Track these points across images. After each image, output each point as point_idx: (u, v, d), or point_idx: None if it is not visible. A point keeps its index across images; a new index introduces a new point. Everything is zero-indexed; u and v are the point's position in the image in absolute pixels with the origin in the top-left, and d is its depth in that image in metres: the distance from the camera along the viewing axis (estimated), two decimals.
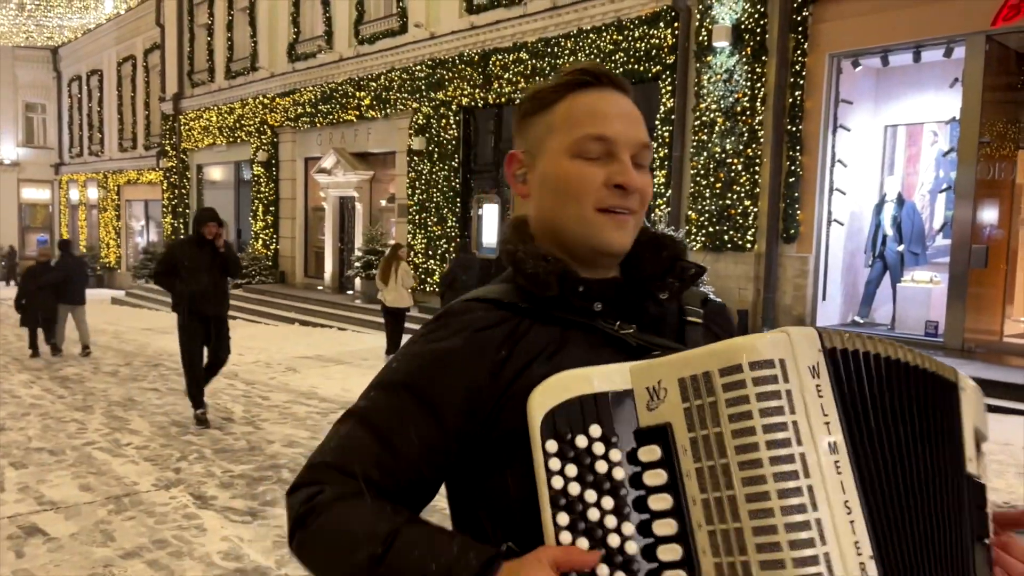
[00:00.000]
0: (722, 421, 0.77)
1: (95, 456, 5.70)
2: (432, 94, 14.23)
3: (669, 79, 10.68)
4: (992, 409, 6.63)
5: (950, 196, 9.04)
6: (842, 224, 9.74)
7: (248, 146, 19.16)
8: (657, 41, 10.81)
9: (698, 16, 10.30)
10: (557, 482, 0.80)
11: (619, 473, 0.81)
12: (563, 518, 0.79)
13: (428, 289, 14.23)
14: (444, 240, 14.09)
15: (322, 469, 0.92)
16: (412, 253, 14.48)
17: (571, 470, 0.80)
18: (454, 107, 13.87)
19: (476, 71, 13.40)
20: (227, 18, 20.09)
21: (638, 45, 11.05)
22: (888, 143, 10.16)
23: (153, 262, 21.67)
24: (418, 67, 14.52)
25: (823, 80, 9.34)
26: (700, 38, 10.25)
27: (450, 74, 13.88)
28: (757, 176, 9.78)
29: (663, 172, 10.76)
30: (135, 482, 5.03)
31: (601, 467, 0.81)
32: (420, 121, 14.47)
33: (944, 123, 9.36)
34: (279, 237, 18.49)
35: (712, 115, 10.14)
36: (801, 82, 9.43)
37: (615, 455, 0.81)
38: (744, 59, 9.80)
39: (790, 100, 9.51)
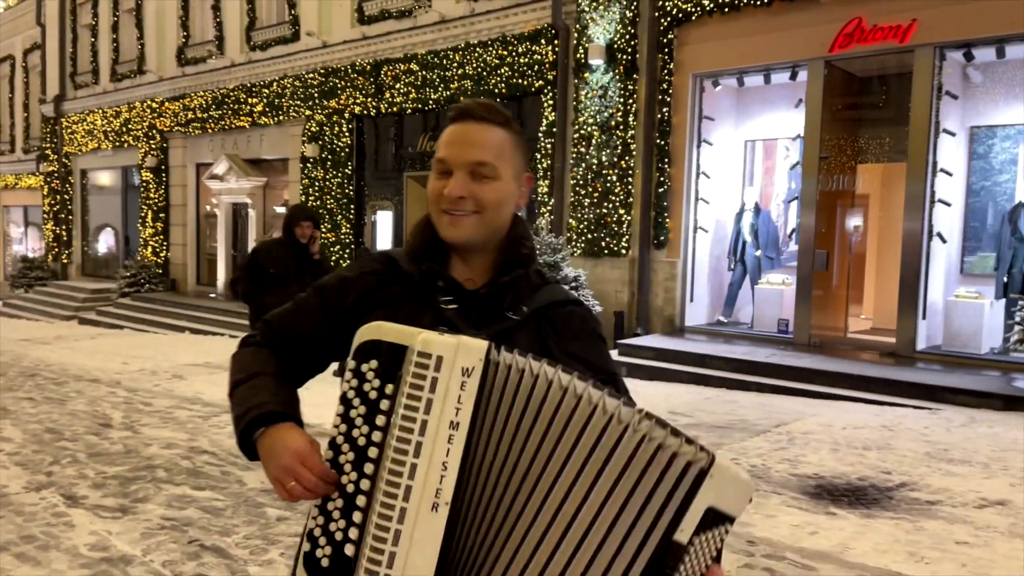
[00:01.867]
0: (406, 381, 1.07)
1: None
2: (325, 102, 14.38)
3: (551, 93, 11.26)
4: (833, 397, 7.40)
5: (799, 205, 9.95)
6: (707, 231, 10.53)
7: (136, 151, 18.70)
8: (539, 57, 11.37)
9: (576, 35, 10.92)
10: (345, 387, 1.14)
11: (373, 394, 1.11)
12: (340, 409, 1.14)
13: None
14: (339, 246, 14.24)
15: (265, 323, 1.41)
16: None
17: (354, 382, 1.13)
18: (347, 115, 14.08)
19: (368, 80, 13.65)
20: (112, 19, 19.56)
21: (522, 60, 11.58)
22: (748, 156, 11.05)
23: (32, 270, 20.82)
24: (311, 75, 14.64)
25: (687, 98, 10.10)
26: (578, 56, 10.88)
27: (342, 83, 14.07)
28: (630, 186, 10.46)
29: (546, 182, 11.33)
30: (4, 485, 5.08)
31: (366, 387, 1.12)
32: (313, 128, 14.59)
33: (792, 139, 10.28)
34: (170, 244, 18.12)
35: (589, 128, 10.76)
36: (668, 99, 10.17)
37: (376, 383, 1.11)
38: (617, 77, 10.47)
39: (659, 116, 10.24)
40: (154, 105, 18.11)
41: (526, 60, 11.54)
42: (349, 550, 1.08)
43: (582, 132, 10.85)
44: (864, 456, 5.68)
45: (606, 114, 10.61)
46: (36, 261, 21.46)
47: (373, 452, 1.09)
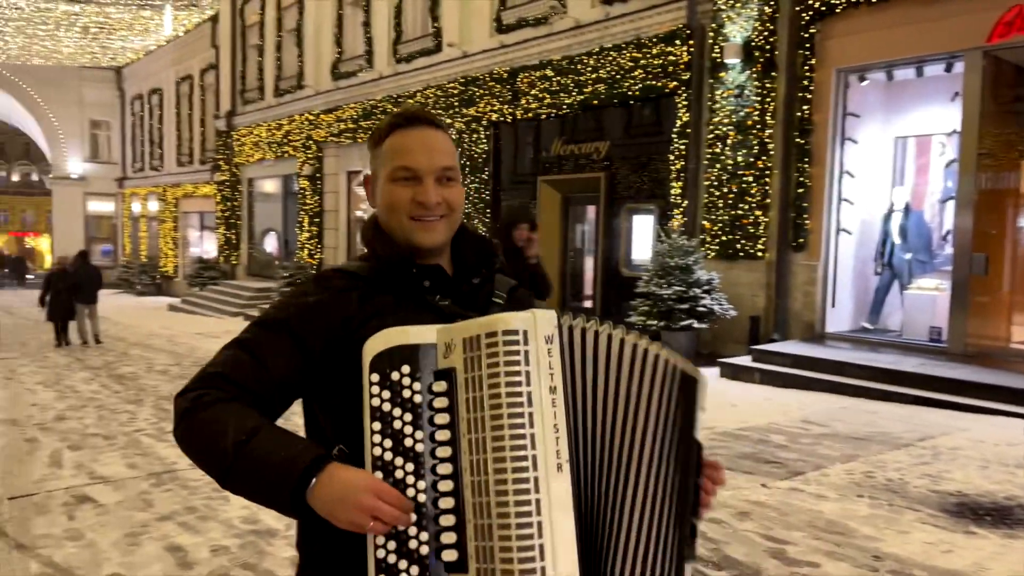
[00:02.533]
0: (483, 367, 1.09)
1: (142, 440, 6.43)
2: (464, 110, 14.90)
3: (685, 94, 11.12)
4: (988, 412, 6.89)
5: (955, 205, 9.27)
6: (850, 233, 10.03)
7: (295, 160, 20.14)
8: (673, 58, 11.26)
9: (711, 34, 10.73)
10: (375, 401, 1.12)
11: (418, 398, 1.12)
12: (376, 426, 1.12)
13: None
14: None
15: (211, 377, 1.24)
16: None
17: (385, 394, 1.12)
18: (484, 122, 14.52)
19: (505, 88, 14.02)
20: (276, 39, 21.16)
21: (655, 62, 11.51)
22: (898, 154, 10.41)
23: (207, 270, 22.86)
24: (451, 84, 15.21)
25: (830, 94, 9.68)
26: (713, 55, 10.68)
27: (480, 91, 14.53)
28: (767, 187, 10.15)
29: (679, 184, 11.20)
30: (175, 462, 5.72)
31: (406, 393, 1.12)
32: (453, 136, 15.10)
33: (948, 135, 9.60)
34: (323, 247, 19.38)
35: (724, 129, 10.54)
36: (809, 96, 9.79)
37: (416, 386, 1.12)
38: (754, 75, 10.20)
39: (798, 114, 9.88)
40: (311, 117, 19.44)
41: (660, 62, 11.46)
42: (449, 556, 1.09)
43: (717, 132, 10.65)
44: (1015, 475, 5.27)
45: (742, 113, 10.35)
46: (209, 262, 23.56)
47: (445, 452, 1.10)
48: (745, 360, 9.60)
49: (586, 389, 1.15)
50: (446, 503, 1.09)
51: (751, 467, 5.54)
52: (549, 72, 13.16)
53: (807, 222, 9.90)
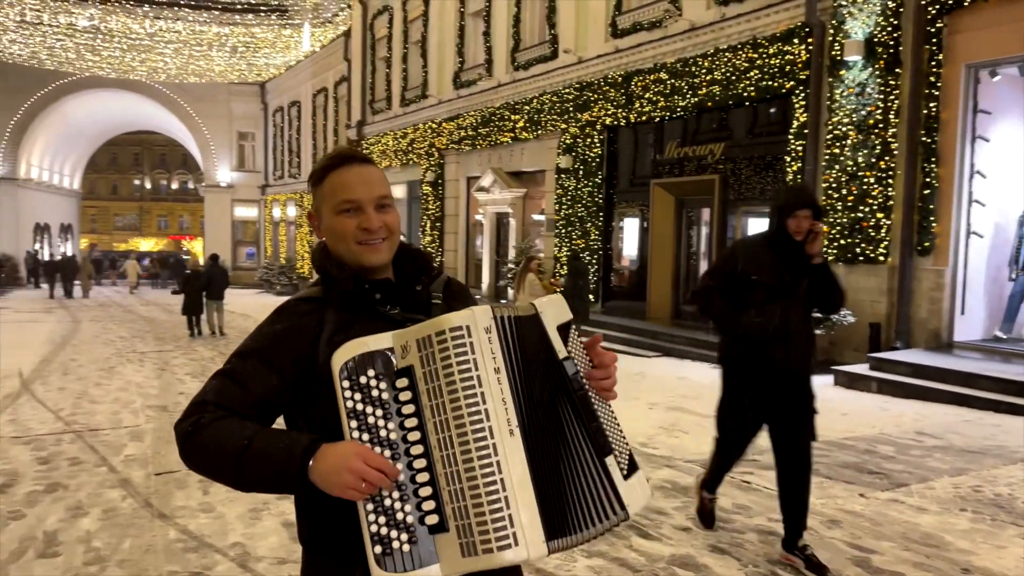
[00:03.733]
0: (436, 361, 1.28)
1: None
2: (579, 115, 15.09)
3: (802, 94, 10.84)
4: None
5: None
6: (981, 236, 9.46)
7: (419, 167, 20.99)
8: (791, 57, 11.00)
9: (831, 31, 10.41)
10: (349, 404, 1.30)
11: (385, 395, 1.31)
12: (353, 423, 1.30)
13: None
14: (587, 252, 14.87)
15: (202, 405, 1.41)
16: (557, 264, 15.40)
17: (357, 396, 1.30)
18: (599, 126, 14.65)
19: (619, 92, 14.10)
20: (403, 51, 22.13)
21: (772, 62, 11.28)
22: None
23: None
24: (567, 90, 15.44)
25: (959, 91, 9.18)
26: (833, 53, 10.36)
27: (595, 95, 14.67)
28: (890, 188, 9.74)
29: None
30: None
31: (375, 392, 1.30)
32: (568, 141, 15.37)
33: None
34: (444, 250, 20.09)
35: (844, 128, 10.20)
36: (936, 93, 9.33)
37: (383, 385, 1.31)
38: (876, 72, 9.82)
39: (924, 112, 9.43)
40: (433, 125, 20.23)
41: (777, 61, 11.21)
42: (432, 519, 1.27)
43: (836, 133, 10.31)
44: None
45: (863, 112, 9.98)
46: None
47: (415, 436, 1.30)
48: (862, 368, 9.27)
49: (521, 363, 1.36)
50: (422, 478, 1.29)
51: (852, 477, 5.44)
52: (663, 75, 13.14)
53: (933, 225, 9.43)
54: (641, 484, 1.47)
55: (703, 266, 13.18)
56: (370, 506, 1.28)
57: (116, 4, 24.09)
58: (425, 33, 20.80)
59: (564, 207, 15.47)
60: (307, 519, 1.47)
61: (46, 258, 33.10)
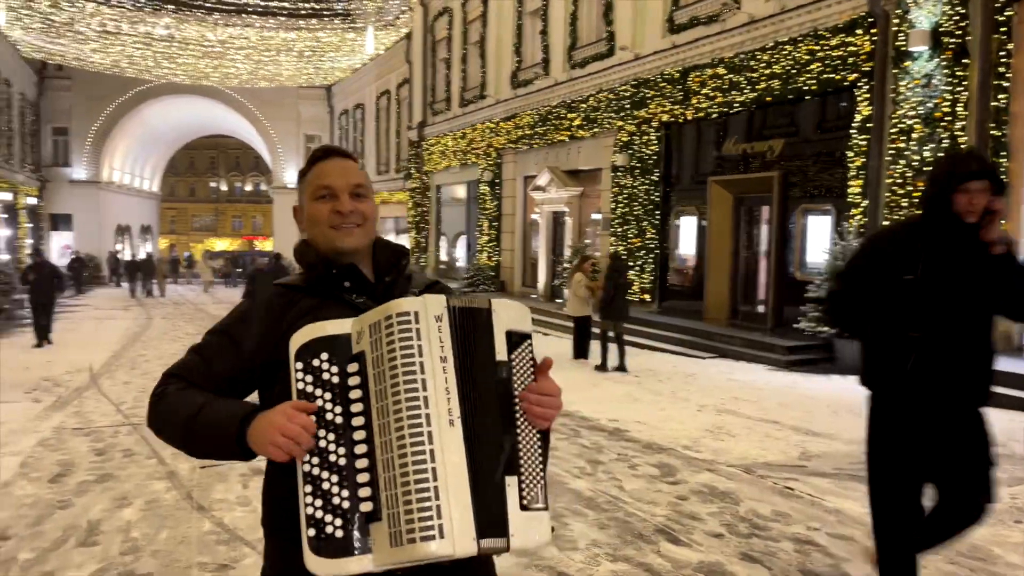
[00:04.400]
0: (383, 346, 1.28)
1: None
2: (635, 112, 14.91)
3: (866, 87, 10.44)
4: None
5: None
6: None
7: (477, 167, 21.10)
8: (854, 48, 10.61)
9: (895, 21, 10.00)
10: (300, 385, 1.34)
11: (335, 379, 1.33)
12: (301, 404, 1.33)
13: (628, 299, 14.86)
14: (643, 251, 14.67)
15: (169, 377, 1.54)
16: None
17: (308, 378, 1.33)
18: (655, 123, 14.44)
19: (676, 88, 13.87)
20: (462, 52, 22.29)
21: (834, 54, 10.91)
22: None
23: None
24: (623, 87, 15.28)
25: None
26: (898, 43, 9.95)
27: (652, 92, 14.47)
28: None
29: (858, 182, 10.53)
30: None
31: (325, 376, 1.33)
32: (624, 138, 15.20)
33: None
34: (501, 249, 20.15)
35: (909, 122, 9.78)
36: (1006, 85, 8.86)
37: (334, 369, 1.33)
38: (944, 63, 9.38)
39: (994, 104, 8.96)
40: (491, 125, 20.30)
41: (839, 53, 10.83)
42: (366, 507, 1.27)
43: (901, 126, 9.89)
44: None
45: (930, 105, 9.55)
46: None
47: (359, 421, 1.30)
48: None
49: (469, 354, 1.33)
50: (361, 463, 1.28)
51: None
52: (721, 70, 12.86)
53: (1004, 221, 8.94)
54: (535, 524, 1.32)
55: (763, 266, 12.84)
56: (308, 488, 1.28)
57: (189, 13, 25.00)
58: (484, 33, 20.90)
59: (620, 205, 15.31)
60: (267, 503, 1.53)
61: (127, 258, 34.55)
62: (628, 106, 15.13)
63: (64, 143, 34.17)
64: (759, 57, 12.13)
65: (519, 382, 1.39)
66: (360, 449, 1.29)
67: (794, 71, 11.52)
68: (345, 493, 1.28)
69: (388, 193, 28.46)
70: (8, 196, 27.64)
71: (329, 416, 1.31)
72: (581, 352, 11.11)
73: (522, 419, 1.38)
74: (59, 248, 33.07)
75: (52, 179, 33.54)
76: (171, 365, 1.54)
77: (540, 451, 1.40)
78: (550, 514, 1.36)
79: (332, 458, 1.29)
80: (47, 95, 33.48)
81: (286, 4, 25.58)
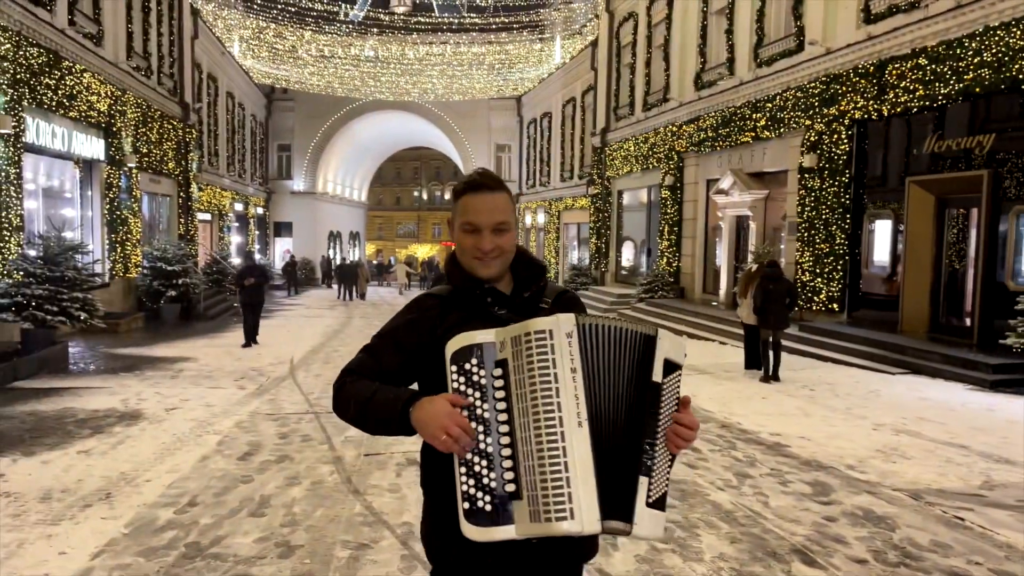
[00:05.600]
0: (523, 357, 1.52)
1: None
2: (824, 110, 14.05)
3: None
4: None
5: None
6: None
7: (658, 171, 20.84)
8: None
9: None
10: (454, 384, 1.58)
11: (483, 381, 1.57)
12: (458, 399, 1.57)
13: (814, 308, 14.03)
14: (832, 257, 13.77)
15: (347, 372, 1.80)
16: (799, 270, 14.44)
17: (461, 379, 1.58)
18: (846, 121, 13.52)
19: (871, 82, 12.91)
20: (646, 55, 22.13)
21: None
22: None
23: (579, 276, 24.76)
24: (812, 84, 14.45)
25: None
26: None
27: (843, 88, 13.56)
28: None
29: None
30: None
31: (475, 378, 1.57)
32: (812, 138, 14.36)
33: None
34: (681, 255, 19.74)
35: None
36: None
37: (482, 372, 1.57)
38: None
39: None
40: (673, 129, 19.96)
41: None
42: (510, 488, 1.51)
43: None
44: None
45: None
46: (582, 269, 25.51)
47: (503, 416, 1.54)
48: None
49: (598, 366, 1.57)
50: (506, 452, 1.53)
51: None
52: (922, 60, 11.80)
53: None
54: (655, 521, 1.58)
55: (969, 274, 11.59)
56: (463, 469, 1.54)
57: (390, 35, 26.89)
58: (668, 36, 20.61)
59: (807, 209, 14.47)
60: (425, 468, 1.79)
61: (337, 262, 37.72)
62: (817, 104, 14.28)
63: (287, 158, 37.99)
64: (966, 45, 10.99)
65: (667, 403, 1.62)
66: (504, 440, 1.53)
67: (1007, 59, 10.32)
68: (493, 475, 1.53)
69: (571, 199, 28.83)
70: (240, 207, 31.20)
71: (479, 411, 1.55)
72: (753, 362, 10.66)
73: (662, 436, 1.62)
74: (281, 252, 36.81)
75: (277, 191, 37.39)
76: (348, 362, 1.82)
77: (669, 466, 1.66)
78: (666, 516, 1.62)
79: (482, 446, 1.55)
80: (274, 115, 37.40)
81: (477, 20, 26.76)
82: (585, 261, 26.65)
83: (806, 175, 14.52)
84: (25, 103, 12.13)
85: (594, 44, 26.42)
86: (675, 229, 19.91)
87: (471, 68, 30.62)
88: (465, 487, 1.53)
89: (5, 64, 11.40)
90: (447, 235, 68.30)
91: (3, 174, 11.42)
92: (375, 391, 1.70)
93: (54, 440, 6.36)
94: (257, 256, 33.85)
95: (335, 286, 31.87)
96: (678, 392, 1.65)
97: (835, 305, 13.77)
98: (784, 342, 12.27)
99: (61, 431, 6.69)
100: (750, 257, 16.17)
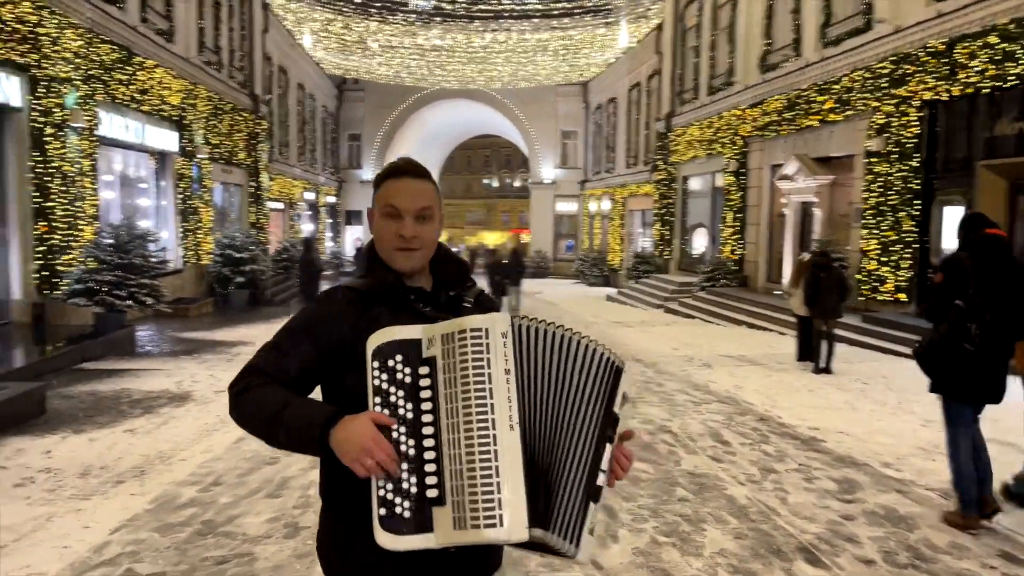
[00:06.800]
0: (455, 355, 1.43)
1: None
2: (893, 91, 13.44)
3: None
4: None
5: None
6: None
7: (722, 157, 20.37)
8: None
9: None
10: (376, 382, 1.47)
11: (408, 379, 1.47)
12: (377, 399, 1.47)
13: (879, 298, 13.50)
14: (899, 245, 13.21)
15: (251, 371, 1.63)
16: (864, 258, 13.92)
17: (384, 376, 1.47)
18: (915, 103, 12.90)
19: (941, 62, 12.28)
20: (711, 38, 21.62)
21: None
22: None
23: (642, 264, 24.47)
24: (880, 64, 13.84)
25: None
26: None
27: (912, 68, 12.95)
28: None
29: None
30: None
31: (399, 375, 1.47)
32: (879, 121, 13.78)
33: None
34: (745, 242, 19.27)
35: None
36: None
37: (407, 370, 1.47)
38: None
39: None
40: (737, 113, 19.44)
41: None
42: (432, 493, 1.42)
43: None
44: None
45: None
46: (646, 256, 25.19)
47: (428, 417, 1.45)
48: None
49: (532, 369, 1.50)
50: (429, 455, 1.44)
51: None
52: (993, 39, 11.16)
53: None
54: (590, 546, 1.54)
55: None
56: (381, 475, 1.45)
57: (454, 23, 27.04)
58: (734, 17, 20.05)
59: (874, 194, 13.90)
60: (327, 476, 1.65)
61: None
62: (885, 85, 13.66)
63: (357, 148, 38.74)
64: None
65: (615, 435, 1.58)
66: (428, 443, 1.45)
67: None
68: (413, 480, 1.44)
69: (636, 186, 28.47)
70: (312, 196, 32.04)
71: (401, 411, 1.46)
72: (806, 353, 10.36)
73: (608, 464, 1.56)
74: (352, 240, 37.66)
75: (347, 180, 38.22)
76: (252, 359, 1.65)
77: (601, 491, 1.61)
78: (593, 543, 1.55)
79: (403, 448, 1.45)
80: (345, 106, 38.16)
81: (539, 6, 26.63)
82: (649, 248, 26.31)
83: (873, 159, 13.94)
84: (99, 98, 12.77)
85: (659, 27, 25.95)
86: (739, 216, 19.44)
87: (535, 55, 30.52)
88: (382, 492, 1.42)
89: (78, 60, 12.01)
90: (515, 222, 68.62)
91: (78, 166, 12.07)
92: (286, 402, 1.53)
93: (105, 419, 6.73)
94: (329, 244, 34.77)
95: None
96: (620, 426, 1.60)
97: (903, 295, 13.22)
98: (845, 333, 11.91)
99: (114, 411, 7.07)
100: (813, 246, 15.68)
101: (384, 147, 38.39)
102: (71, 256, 11.74)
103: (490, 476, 1.37)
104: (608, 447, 1.54)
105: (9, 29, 10.25)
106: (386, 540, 1.41)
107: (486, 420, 1.39)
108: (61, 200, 11.60)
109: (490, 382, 1.41)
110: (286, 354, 1.62)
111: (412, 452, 1.44)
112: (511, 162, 67.34)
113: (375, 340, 1.48)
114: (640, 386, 8.90)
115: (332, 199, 36.47)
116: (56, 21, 11.31)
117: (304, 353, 1.62)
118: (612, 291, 25.16)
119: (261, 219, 22.61)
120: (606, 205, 32.11)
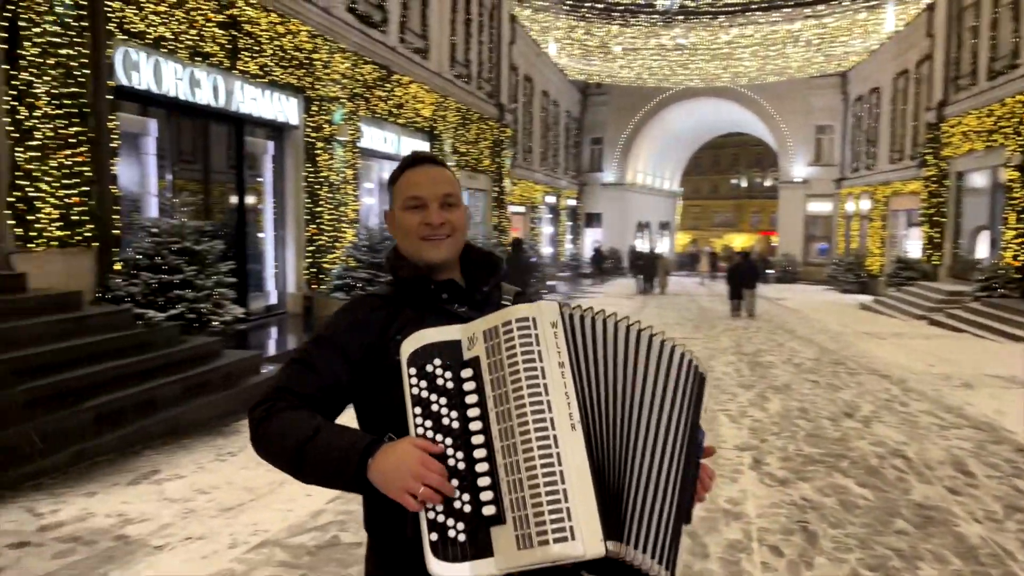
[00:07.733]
0: (502, 351, 1.28)
1: (719, 419, 7.26)
2: None
3: None
4: None
5: None
6: None
7: (1004, 149, 17.79)
8: None
9: None
10: (415, 390, 1.32)
11: (450, 384, 1.32)
12: (417, 410, 1.31)
13: None
14: None
15: (276, 390, 1.46)
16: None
17: (423, 383, 1.32)
18: None
19: None
20: (992, 16, 18.99)
21: None
22: None
23: (905, 270, 22.10)
24: None
25: None
26: None
27: None
28: None
29: None
30: (724, 440, 6.38)
31: (439, 381, 1.32)
32: None
33: None
34: None
35: None
36: None
37: (448, 374, 1.32)
38: None
39: None
40: (1023, 99, 16.87)
41: None
42: (489, 510, 1.25)
43: None
44: None
45: None
46: (910, 262, 22.66)
47: (476, 425, 1.29)
48: None
49: (589, 362, 1.34)
50: (482, 467, 1.27)
51: None
52: None
53: None
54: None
55: None
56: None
57: (696, 20, 26.40)
58: None
59: None
60: (370, 505, 1.49)
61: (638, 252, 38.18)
62: None
63: (599, 151, 39.28)
64: None
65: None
66: (479, 453, 1.28)
67: None
68: (467, 497, 1.27)
69: (900, 183, 25.77)
70: (552, 199, 33.05)
71: (445, 421, 1.30)
72: None
73: (694, 483, 1.43)
74: (591, 242, 38.27)
75: (588, 183, 38.90)
76: (275, 377, 1.52)
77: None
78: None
79: (451, 463, 1.29)
80: (589, 110, 38.87)
81: None
82: (913, 252, 23.71)
83: None
84: (362, 113, 14.27)
85: (930, 7, 23.28)
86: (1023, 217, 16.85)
87: (785, 47, 28.86)
88: (432, 514, 1.25)
89: (345, 81, 13.51)
90: (766, 223, 65.23)
91: (342, 175, 13.58)
92: (317, 428, 1.37)
93: None
94: (568, 247, 35.58)
95: (635, 276, 32.11)
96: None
97: None
98: None
99: None
100: None
101: (626, 150, 38.58)
102: (335, 256, 13.24)
103: (555, 483, 1.20)
104: (695, 465, 1.42)
105: (289, 57, 11.81)
106: (440, 569, 1.23)
107: (544, 421, 1.23)
108: (327, 205, 13.13)
109: (544, 377, 1.25)
110: (313, 369, 1.49)
111: (462, 467, 1.27)
112: (761, 161, 64.17)
113: (409, 345, 1.33)
114: (880, 404, 8.09)
115: (572, 202, 37.32)
116: (328, 47, 12.82)
117: (332, 367, 1.48)
118: (867, 299, 23.02)
119: (503, 222, 23.78)
120: (865, 205, 29.47)
